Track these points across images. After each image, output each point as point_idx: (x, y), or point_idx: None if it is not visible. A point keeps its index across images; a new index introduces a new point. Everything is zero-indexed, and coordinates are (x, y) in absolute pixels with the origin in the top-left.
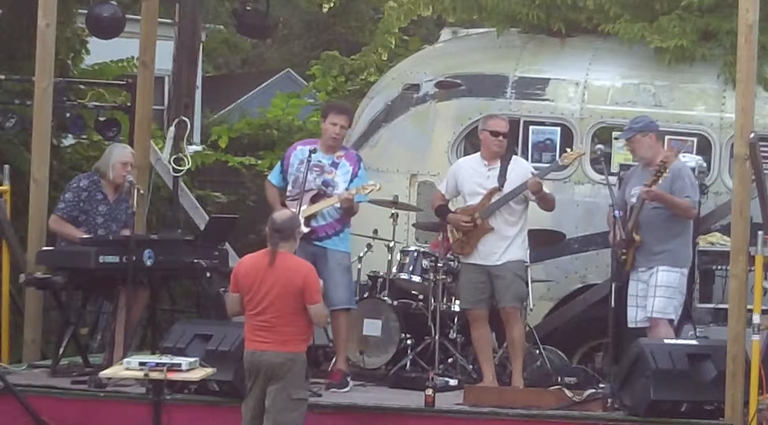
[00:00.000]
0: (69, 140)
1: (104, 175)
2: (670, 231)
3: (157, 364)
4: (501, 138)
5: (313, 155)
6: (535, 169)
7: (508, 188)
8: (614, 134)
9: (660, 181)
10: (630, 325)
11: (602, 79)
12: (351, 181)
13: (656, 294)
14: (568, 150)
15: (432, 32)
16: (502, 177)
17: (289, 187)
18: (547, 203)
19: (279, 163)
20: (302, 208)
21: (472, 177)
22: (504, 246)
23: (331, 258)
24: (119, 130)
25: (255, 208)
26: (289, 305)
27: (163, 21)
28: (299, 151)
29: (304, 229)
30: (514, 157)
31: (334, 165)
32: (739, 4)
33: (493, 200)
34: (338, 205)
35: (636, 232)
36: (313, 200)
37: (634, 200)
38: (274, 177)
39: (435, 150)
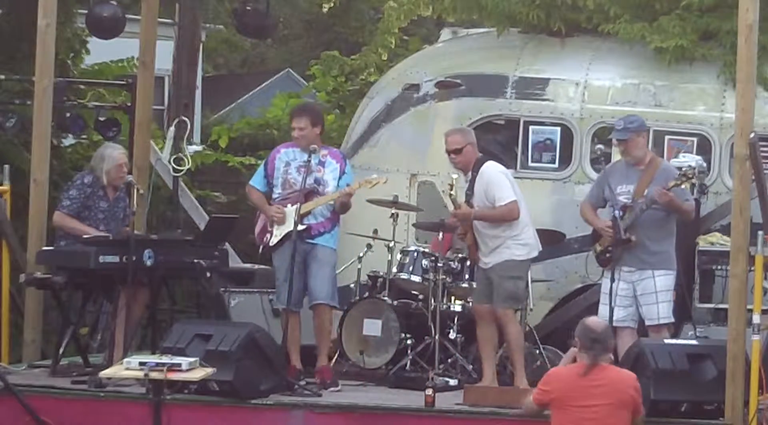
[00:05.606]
0: (69, 140)
1: (99, 178)
2: (663, 231)
3: (157, 364)
4: (452, 155)
5: (304, 156)
6: (535, 169)
7: (475, 202)
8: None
9: (683, 186)
10: None
11: (602, 79)
12: (340, 177)
13: (658, 300)
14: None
15: (432, 32)
16: (470, 190)
17: (278, 190)
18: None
19: (262, 167)
20: (296, 205)
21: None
22: (492, 246)
23: (321, 254)
24: (119, 130)
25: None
26: (619, 421)
27: (163, 21)
28: (283, 154)
29: (301, 227)
30: (483, 166)
31: (321, 163)
32: (739, 4)
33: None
34: (332, 202)
35: (631, 233)
36: (307, 198)
37: (622, 199)
38: (257, 182)
39: (435, 150)
